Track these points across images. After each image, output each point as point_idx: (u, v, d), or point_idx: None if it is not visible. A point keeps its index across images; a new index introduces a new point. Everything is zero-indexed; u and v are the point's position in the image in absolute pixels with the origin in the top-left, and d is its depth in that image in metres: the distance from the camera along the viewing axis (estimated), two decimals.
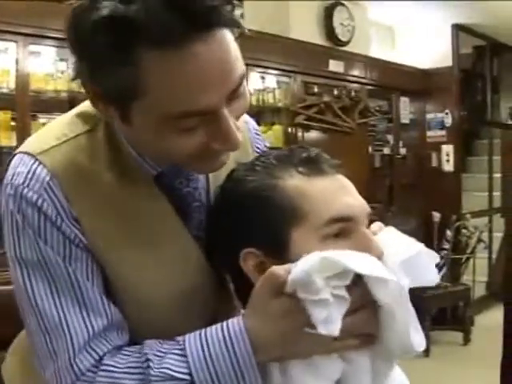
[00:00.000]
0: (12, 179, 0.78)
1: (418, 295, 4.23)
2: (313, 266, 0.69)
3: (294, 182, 0.80)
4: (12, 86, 2.87)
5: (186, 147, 0.73)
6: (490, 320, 4.81)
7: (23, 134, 2.68)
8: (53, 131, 0.83)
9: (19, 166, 0.79)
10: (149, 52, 0.66)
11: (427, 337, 4.35)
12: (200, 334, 0.75)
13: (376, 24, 5.25)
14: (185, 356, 0.74)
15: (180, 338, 0.76)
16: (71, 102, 2.97)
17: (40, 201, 0.76)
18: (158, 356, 0.75)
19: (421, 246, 0.82)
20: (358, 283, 0.72)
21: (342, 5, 4.53)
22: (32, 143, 0.82)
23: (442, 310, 4.89)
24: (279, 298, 0.71)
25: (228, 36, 0.70)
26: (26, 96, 2.85)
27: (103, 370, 0.76)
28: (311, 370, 0.74)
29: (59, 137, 0.81)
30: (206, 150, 0.74)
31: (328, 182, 0.81)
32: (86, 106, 0.85)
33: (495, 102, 6.41)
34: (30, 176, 0.77)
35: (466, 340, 4.66)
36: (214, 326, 0.75)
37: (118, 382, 0.74)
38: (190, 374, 0.73)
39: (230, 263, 0.83)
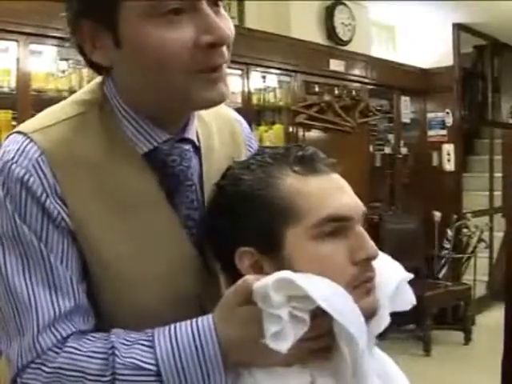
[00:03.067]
0: (2, 156, 0.80)
1: (418, 295, 4.22)
2: (271, 282, 0.70)
3: (289, 180, 0.80)
4: (13, 85, 2.88)
5: (177, 41, 0.74)
6: (491, 319, 4.81)
7: None
8: (47, 115, 0.85)
9: (11, 144, 0.81)
10: None
11: (428, 336, 4.36)
12: (169, 328, 0.76)
13: (377, 23, 5.25)
14: (152, 347, 0.75)
15: (149, 330, 0.77)
16: None
17: (27, 176, 0.77)
18: (124, 344, 0.76)
19: (401, 270, 0.87)
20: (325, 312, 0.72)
21: (343, 4, 4.53)
22: (25, 125, 0.84)
23: (442, 310, 4.90)
24: (245, 306, 0.74)
25: None
26: (27, 95, 2.86)
27: (65, 352, 0.76)
28: (276, 381, 0.76)
29: (52, 119, 0.83)
30: (197, 51, 0.75)
31: (323, 181, 0.81)
32: (80, 93, 0.88)
33: (496, 101, 6.40)
34: (19, 152, 0.79)
35: (467, 339, 4.66)
36: (183, 322, 0.76)
37: (79, 364, 0.75)
38: (156, 364, 0.74)
39: (226, 262, 0.83)
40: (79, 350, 0.76)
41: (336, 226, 0.78)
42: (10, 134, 0.83)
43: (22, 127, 0.83)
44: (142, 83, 0.80)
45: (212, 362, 0.73)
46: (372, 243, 0.79)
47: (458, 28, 5.32)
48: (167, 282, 0.83)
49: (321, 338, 0.75)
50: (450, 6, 4.75)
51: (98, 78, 0.89)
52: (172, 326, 0.76)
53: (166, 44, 0.74)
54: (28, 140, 0.80)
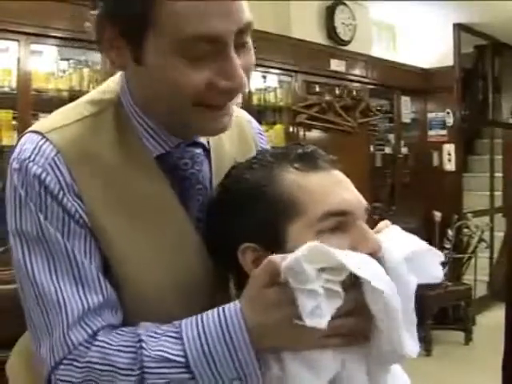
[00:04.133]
0: (18, 155, 0.81)
1: (419, 295, 4.21)
2: (304, 254, 0.68)
3: (290, 177, 0.81)
4: (13, 85, 2.87)
5: (194, 80, 0.75)
6: (492, 319, 4.81)
7: None
8: (61, 114, 0.86)
9: (26, 143, 0.81)
10: None
11: (429, 336, 4.36)
12: (196, 318, 0.76)
13: (377, 23, 5.25)
14: (180, 338, 0.74)
15: (176, 322, 0.77)
16: (72, 101, 2.97)
17: (44, 175, 0.78)
18: (152, 337, 0.76)
19: (424, 244, 0.82)
20: (355, 284, 0.71)
21: (344, 4, 4.53)
22: (40, 124, 0.85)
23: (443, 310, 4.90)
24: (273, 288, 0.72)
25: None
26: (27, 95, 2.85)
27: (96, 346, 0.77)
28: (307, 366, 0.74)
29: (66, 118, 0.84)
30: (211, 91, 0.76)
31: (324, 176, 0.82)
32: (94, 93, 0.89)
33: (496, 101, 6.40)
34: (36, 151, 0.80)
35: (468, 339, 4.66)
36: (210, 310, 0.76)
37: (110, 358, 0.75)
38: (184, 356, 0.73)
39: (229, 259, 0.83)
40: (109, 345, 0.76)
41: (338, 220, 0.79)
42: (25, 133, 0.84)
43: (37, 126, 0.84)
44: (151, 97, 0.81)
45: (241, 346, 0.72)
46: (375, 238, 0.80)
47: (459, 28, 5.32)
48: (180, 282, 0.84)
49: (351, 316, 0.74)
50: (450, 6, 4.75)
51: (113, 77, 0.90)
52: (199, 315, 0.76)
53: (182, 78, 0.74)
54: (44, 139, 0.81)
